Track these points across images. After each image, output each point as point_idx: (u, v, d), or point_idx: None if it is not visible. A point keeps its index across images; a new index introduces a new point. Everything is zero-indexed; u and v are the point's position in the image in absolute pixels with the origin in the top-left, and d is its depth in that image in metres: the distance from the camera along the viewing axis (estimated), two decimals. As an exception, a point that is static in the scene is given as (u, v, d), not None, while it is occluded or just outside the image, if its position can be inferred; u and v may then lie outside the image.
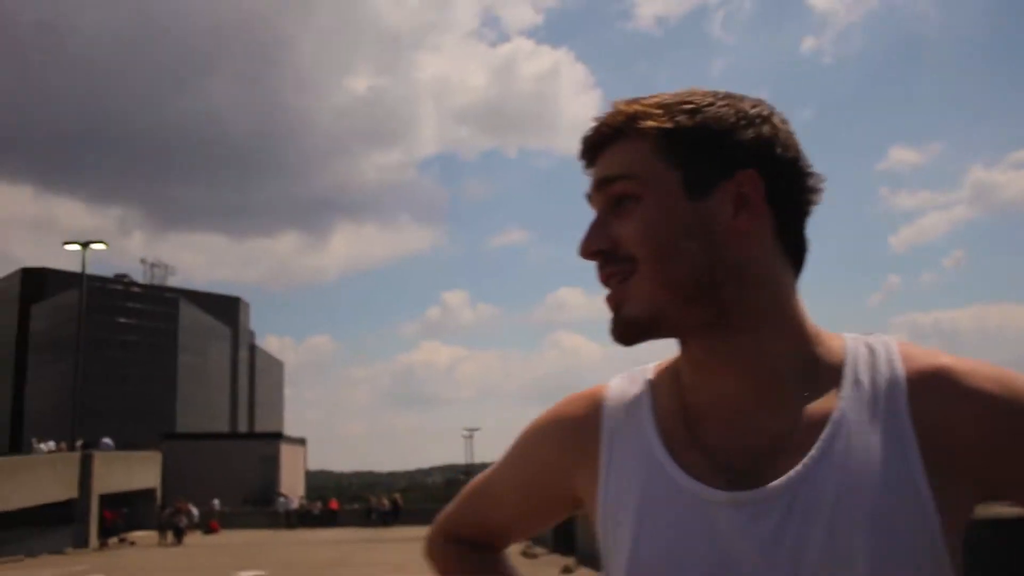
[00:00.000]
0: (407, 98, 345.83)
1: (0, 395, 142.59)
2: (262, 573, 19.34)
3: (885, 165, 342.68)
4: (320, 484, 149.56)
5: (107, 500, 38.43)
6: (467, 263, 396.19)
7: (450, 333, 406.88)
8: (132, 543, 36.47)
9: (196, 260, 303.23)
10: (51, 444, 39.88)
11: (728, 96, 0.89)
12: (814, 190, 0.90)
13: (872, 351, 0.86)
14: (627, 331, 0.89)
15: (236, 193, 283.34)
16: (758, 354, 0.86)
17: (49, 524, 36.18)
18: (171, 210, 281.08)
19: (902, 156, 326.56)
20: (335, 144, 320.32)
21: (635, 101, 0.89)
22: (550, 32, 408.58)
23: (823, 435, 0.81)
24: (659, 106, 0.88)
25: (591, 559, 18.66)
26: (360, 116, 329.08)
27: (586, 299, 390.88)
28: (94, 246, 35.24)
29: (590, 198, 0.93)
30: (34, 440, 40.14)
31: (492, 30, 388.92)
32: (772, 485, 0.81)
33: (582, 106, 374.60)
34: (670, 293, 0.85)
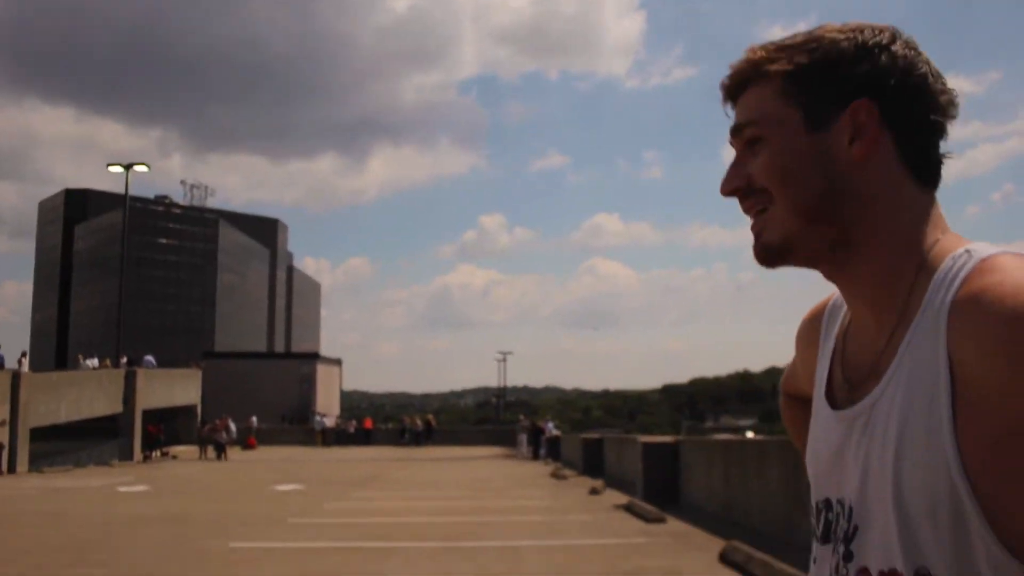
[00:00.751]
0: (447, 18, 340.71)
1: (47, 312, 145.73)
2: (300, 487, 19.90)
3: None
4: (355, 404, 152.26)
5: (150, 415, 39.42)
6: (505, 187, 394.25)
7: (486, 256, 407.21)
8: (174, 457, 37.49)
9: (235, 182, 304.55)
10: (95, 361, 40.73)
11: (853, 28, 0.95)
12: (942, 108, 0.95)
13: (954, 268, 0.89)
14: (765, 255, 0.97)
15: (276, 115, 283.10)
16: (874, 275, 0.94)
17: (96, 437, 37.20)
18: (210, 132, 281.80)
19: (957, 84, 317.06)
20: (375, 65, 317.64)
21: (763, 46, 0.98)
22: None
23: (894, 359, 0.89)
24: (782, 48, 0.96)
25: (619, 481, 18.98)
26: (400, 37, 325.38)
27: (623, 226, 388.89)
28: (136, 167, 35.58)
29: (730, 142, 1.01)
30: (80, 356, 41.10)
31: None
32: (856, 406, 0.93)
33: (625, 28, 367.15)
34: (798, 220, 0.94)
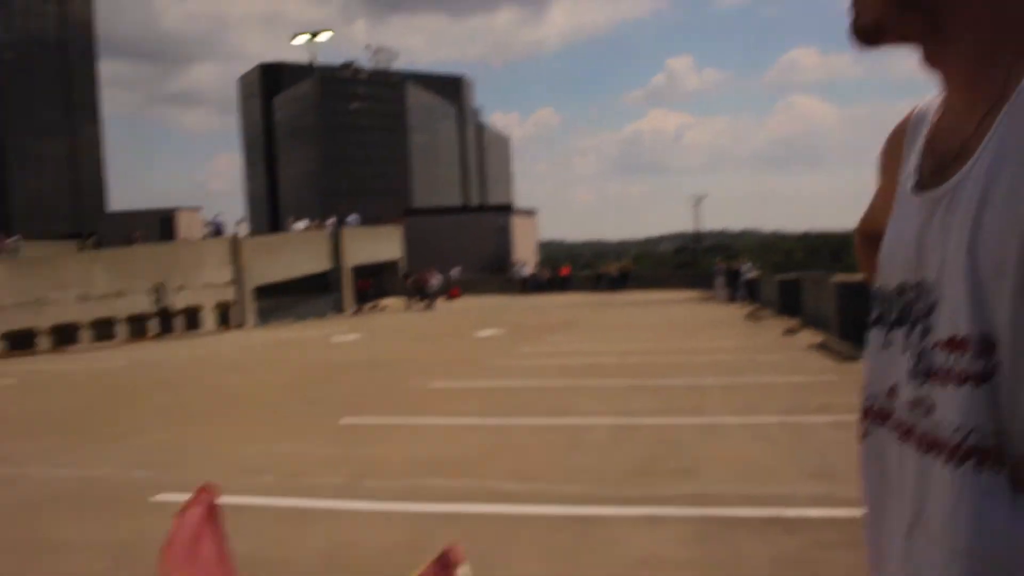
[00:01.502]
0: None
1: (257, 181, 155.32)
2: (498, 331, 20.78)
3: None
4: (552, 254, 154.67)
5: (358, 271, 41.83)
6: (691, 26, 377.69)
7: (677, 99, 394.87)
8: (383, 309, 39.83)
9: (418, 42, 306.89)
10: (304, 222, 43.28)
11: None
12: None
13: None
14: (857, 35, 0.97)
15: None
16: (969, 58, 0.91)
17: (312, 293, 39.99)
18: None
19: None
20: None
21: None
22: None
23: (984, 140, 0.87)
24: None
25: (816, 321, 18.65)
26: None
27: (821, 59, 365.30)
28: (321, 36, 36.43)
29: None
30: (291, 219, 43.78)
31: None
32: (941, 187, 0.92)
33: None
34: (888, 3, 0.93)
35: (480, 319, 26.22)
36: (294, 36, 37.84)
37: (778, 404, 8.38)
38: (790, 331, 17.87)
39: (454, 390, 10.18)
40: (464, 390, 10.24)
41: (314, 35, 35.53)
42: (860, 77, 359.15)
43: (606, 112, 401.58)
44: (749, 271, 37.90)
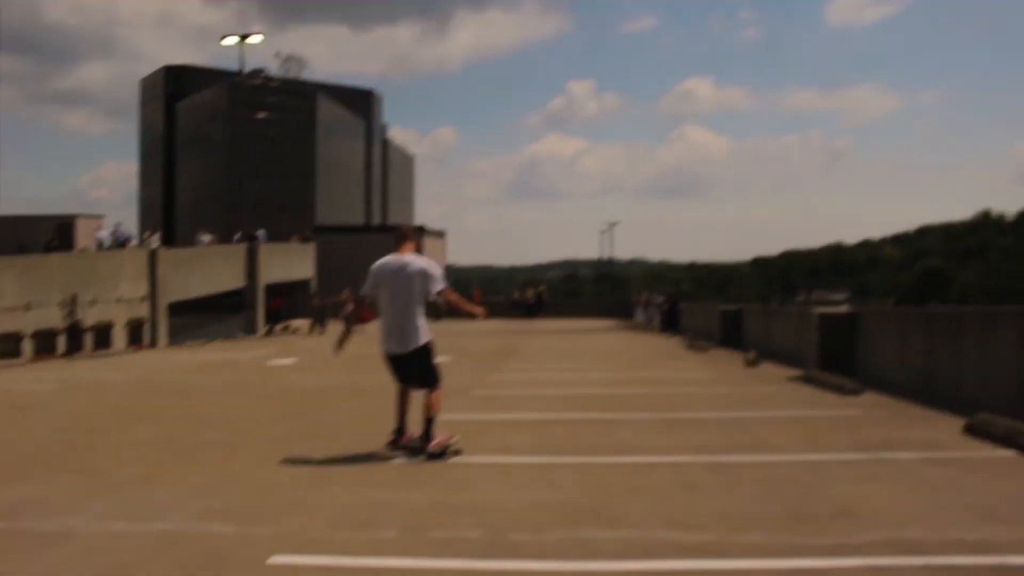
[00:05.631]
0: None
1: (153, 189, 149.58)
2: (446, 358, 19.99)
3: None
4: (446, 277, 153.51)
5: (270, 290, 40.32)
6: (594, 51, 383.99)
7: (574, 124, 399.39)
8: (294, 331, 38.32)
9: (318, 52, 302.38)
10: (210, 236, 41.57)
11: None
12: None
13: None
14: None
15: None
16: None
17: (220, 312, 38.29)
18: (287, 2, 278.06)
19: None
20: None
21: None
22: None
23: None
24: None
25: (767, 353, 18.58)
26: None
27: (715, 90, 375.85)
28: (252, 38, 34.71)
29: None
30: (200, 232, 41.96)
31: None
32: None
33: None
34: None
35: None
36: (222, 37, 36.09)
37: (841, 440, 8.00)
38: (751, 363, 17.70)
39: (472, 423, 9.42)
40: (482, 423, 9.51)
41: (244, 37, 33.86)
42: (750, 110, 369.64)
43: (504, 134, 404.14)
44: (658, 300, 38.27)
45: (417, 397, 7.51)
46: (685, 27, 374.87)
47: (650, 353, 22.84)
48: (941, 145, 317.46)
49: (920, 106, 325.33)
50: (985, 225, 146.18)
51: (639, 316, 38.24)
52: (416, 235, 8.00)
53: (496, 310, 47.99)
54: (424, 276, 7.28)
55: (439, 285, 7.37)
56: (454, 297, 7.80)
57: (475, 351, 22.86)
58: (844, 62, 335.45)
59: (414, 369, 7.40)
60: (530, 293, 49.10)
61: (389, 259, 7.37)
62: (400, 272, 7.26)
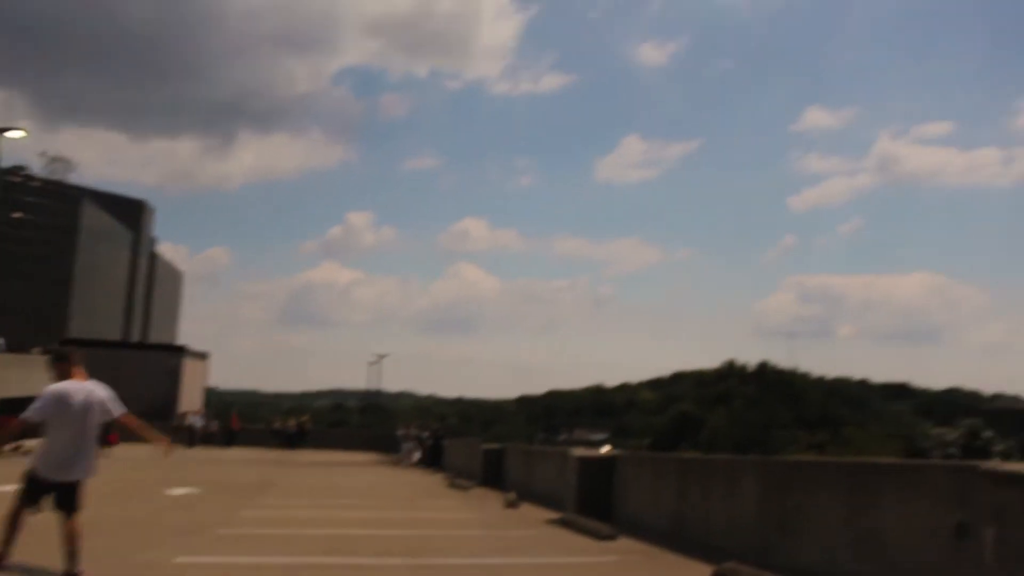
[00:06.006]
0: (324, 3, 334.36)
1: None
2: (195, 490, 18.70)
3: (799, 126, 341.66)
4: (206, 401, 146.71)
5: (5, 404, 36.68)
6: (375, 184, 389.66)
7: (351, 254, 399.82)
8: (27, 452, 34.90)
9: (91, 157, 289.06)
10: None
11: None
12: None
13: None
14: None
15: (135, 90, 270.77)
16: None
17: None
18: (62, 101, 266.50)
19: (816, 118, 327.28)
20: (243, 45, 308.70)
21: None
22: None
23: None
24: None
25: (527, 494, 18.60)
26: (271, 17, 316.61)
27: (489, 232, 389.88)
28: (12, 133, 31.98)
29: None
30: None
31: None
32: None
33: (500, 33, 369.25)
34: None
35: (161, 473, 23.49)
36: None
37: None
38: (511, 504, 17.61)
39: (209, 567, 8.59)
40: (221, 568, 8.71)
41: (3, 130, 31.29)
42: (522, 253, 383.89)
43: (280, 258, 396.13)
44: (424, 435, 38.04)
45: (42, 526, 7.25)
46: (464, 169, 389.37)
47: (411, 491, 22.33)
48: (694, 298, 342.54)
49: (676, 261, 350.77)
50: (730, 374, 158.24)
51: (404, 450, 37.61)
52: (80, 357, 7.72)
53: (254, 439, 45.94)
54: (105, 405, 7.36)
55: (118, 410, 7.46)
56: (134, 422, 7.75)
57: (227, 483, 21.53)
58: (611, 215, 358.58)
59: (74, 496, 7.28)
60: (292, 422, 47.20)
61: (71, 386, 7.26)
62: (86, 401, 7.22)
